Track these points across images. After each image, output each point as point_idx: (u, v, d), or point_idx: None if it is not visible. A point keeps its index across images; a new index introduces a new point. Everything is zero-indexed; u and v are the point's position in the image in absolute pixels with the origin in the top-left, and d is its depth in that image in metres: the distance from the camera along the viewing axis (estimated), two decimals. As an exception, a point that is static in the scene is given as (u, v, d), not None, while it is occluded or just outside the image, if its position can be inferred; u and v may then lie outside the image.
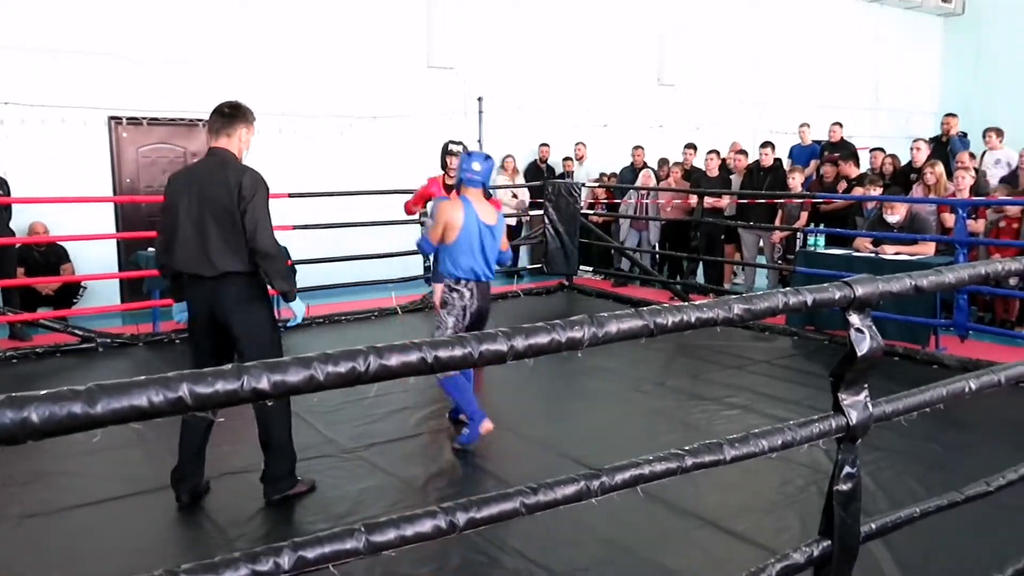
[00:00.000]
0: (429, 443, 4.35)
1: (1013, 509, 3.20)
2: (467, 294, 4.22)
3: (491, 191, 4.41)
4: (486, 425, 4.18)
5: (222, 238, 3.37)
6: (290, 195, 7.31)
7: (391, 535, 1.35)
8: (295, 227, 7.20)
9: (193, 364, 3.44)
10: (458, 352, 1.37)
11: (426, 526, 1.38)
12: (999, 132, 8.62)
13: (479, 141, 10.09)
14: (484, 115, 10.07)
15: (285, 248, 7.17)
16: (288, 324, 3.92)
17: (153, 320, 6.71)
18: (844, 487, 1.92)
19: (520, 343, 1.42)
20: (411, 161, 9.41)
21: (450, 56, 9.86)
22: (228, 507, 3.54)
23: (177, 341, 6.50)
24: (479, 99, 10.03)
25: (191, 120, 8.38)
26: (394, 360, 1.31)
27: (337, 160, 9.06)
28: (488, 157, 4.32)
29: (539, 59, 10.59)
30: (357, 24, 9.20)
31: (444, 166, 5.66)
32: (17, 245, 6.78)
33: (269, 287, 3.57)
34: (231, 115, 3.52)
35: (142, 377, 1.12)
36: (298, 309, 3.68)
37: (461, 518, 1.42)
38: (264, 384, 1.18)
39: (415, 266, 8.07)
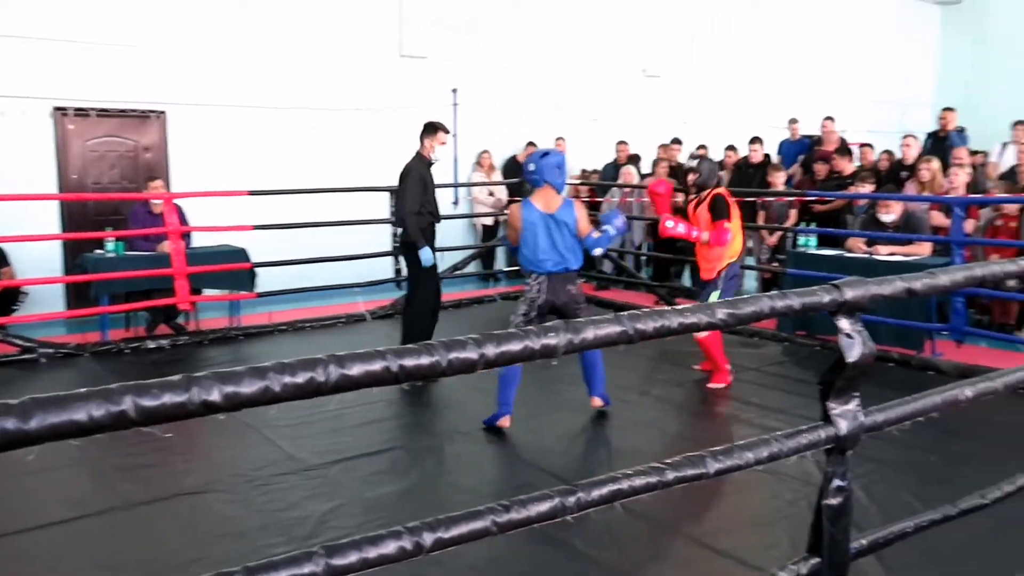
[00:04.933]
0: (399, 458, 4.34)
1: (1011, 523, 3.24)
2: (535, 287, 4.72)
3: (556, 186, 4.76)
4: (504, 421, 4.68)
5: None
6: (251, 193, 7.28)
7: (353, 558, 1.34)
8: (256, 227, 7.15)
9: None
10: (425, 360, 1.37)
11: (390, 548, 1.38)
12: None
13: (453, 135, 10.08)
14: (459, 107, 10.08)
15: (244, 250, 7.17)
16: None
17: (101, 328, 6.62)
18: (833, 501, 1.94)
19: (491, 351, 1.43)
20: (381, 156, 9.40)
21: (423, 45, 9.86)
22: (184, 530, 3.51)
23: (127, 351, 6.42)
24: (454, 91, 10.03)
25: (143, 111, 8.30)
26: (356, 369, 1.30)
27: (302, 155, 9.02)
28: (546, 154, 4.77)
29: (517, 50, 10.62)
30: (324, 10, 9.17)
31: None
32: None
33: None
34: None
35: (82, 390, 1.11)
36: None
37: (428, 539, 1.42)
38: (215, 396, 1.18)
39: (385, 269, 8.05)
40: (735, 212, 5.43)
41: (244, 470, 4.10)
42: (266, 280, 7.37)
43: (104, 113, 8.12)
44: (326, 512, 3.64)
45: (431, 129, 5.88)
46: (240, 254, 7.17)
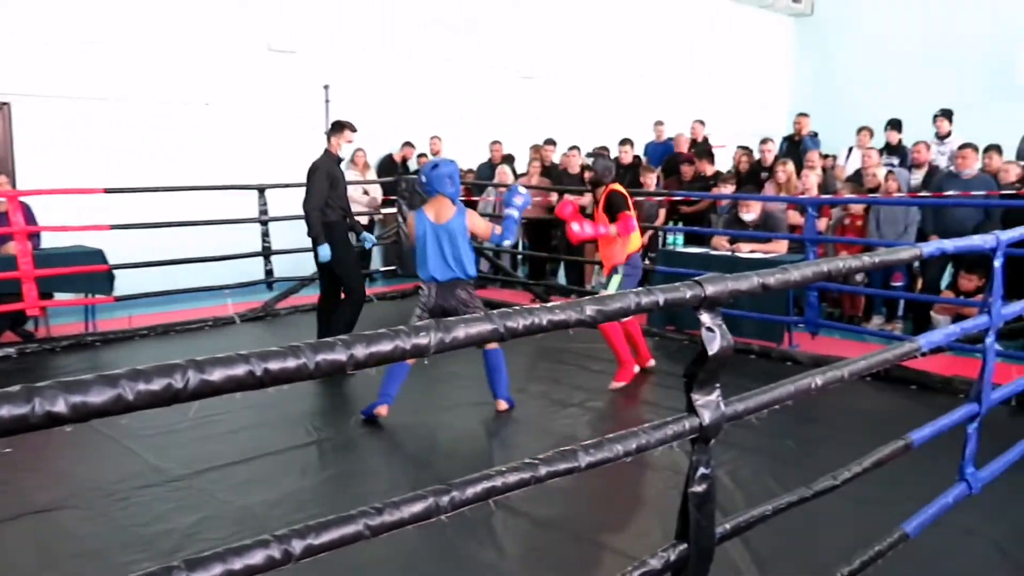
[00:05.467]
0: (272, 465, 4.21)
1: (860, 501, 3.48)
2: (426, 292, 4.90)
3: (448, 196, 4.84)
4: (382, 409, 4.77)
5: None
6: (107, 190, 6.89)
7: (217, 570, 1.29)
8: (113, 227, 6.77)
9: None
10: (291, 363, 1.33)
11: (257, 557, 1.33)
12: (871, 132, 9.16)
13: (326, 133, 9.87)
14: (331, 104, 9.87)
15: (100, 251, 6.78)
16: None
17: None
18: (699, 488, 2.02)
19: (361, 352, 1.40)
20: (250, 153, 9.09)
21: (293, 39, 9.60)
22: (34, 551, 3.28)
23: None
24: (325, 87, 9.82)
25: (-16, 104, 7.71)
26: (217, 375, 1.25)
27: (165, 152, 8.59)
28: (436, 165, 4.87)
29: (391, 47, 10.50)
30: (189, 0, 8.77)
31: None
32: None
33: None
34: None
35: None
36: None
37: (297, 546, 1.38)
38: (60, 407, 1.10)
39: (255, 270, 7.79)
40: (631, 204, 5.57)
41: (103, 484, 3.88)
42: (126, 283, 6.99)
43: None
44: (193, 524, 3.49)
45: (338, 127, 6.04)
46: (96, 255, 6.77)
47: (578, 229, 5.43)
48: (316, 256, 5.94)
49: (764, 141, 8.80)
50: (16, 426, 1.07)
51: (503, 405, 5.02)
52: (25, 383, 1.10)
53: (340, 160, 6.09)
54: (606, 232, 5.46)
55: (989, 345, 3.16)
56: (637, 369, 5.70)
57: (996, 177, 7.12)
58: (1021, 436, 3.66)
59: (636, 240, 5.62)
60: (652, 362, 5.93)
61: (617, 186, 5.62)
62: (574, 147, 9.39)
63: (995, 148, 7.45)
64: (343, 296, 6.16)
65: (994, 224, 6.45)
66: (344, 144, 6.04)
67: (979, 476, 3.22)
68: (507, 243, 5.09)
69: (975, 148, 7.10)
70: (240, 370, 1.27)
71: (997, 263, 3.08)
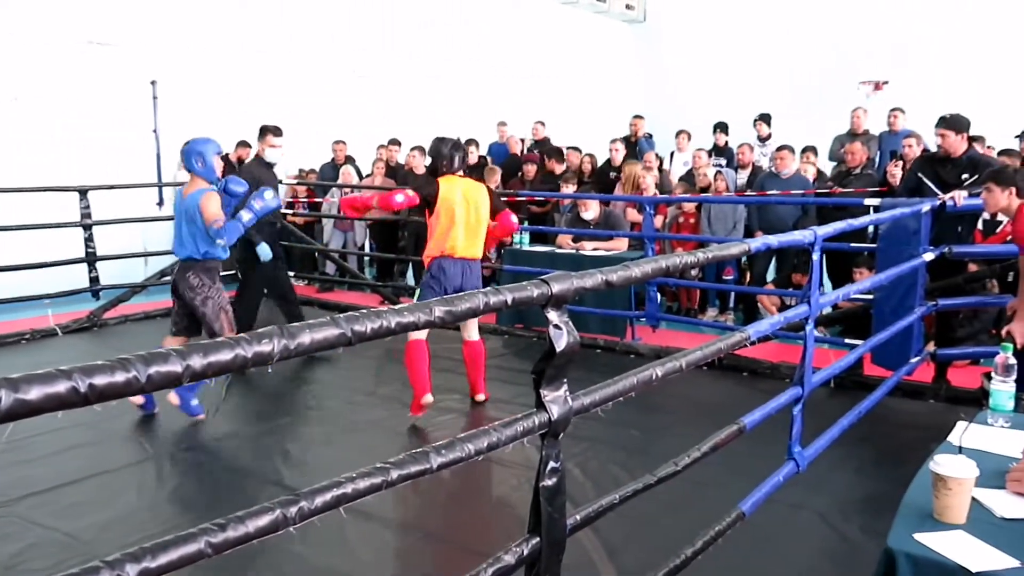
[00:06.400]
0: (103, 485, 3.93)
1: (700, 484, 3.66)
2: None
3: (195, 173, 4.74)
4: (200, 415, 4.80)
5: None
6: (-100, 194, 6.21)
7: (39, 604, 1.18)
8: (-91, 234, 6.11)
9: None
10: (120, 377, 1.24)
11: (86, 586, 1.23)
12: (689, 135, 9.88)
13: (155, 131, 9.35)
14: (159, 101, 9.34)
15: None
16: None
17: None
18: (549, 482, 2.06)
19: (198, 362, 1.33)
20: (70, 153, 8.45)
21: (115, 32, 9.00)
22: None
23: None
24: (153, 83, 9.28)
25: None
26: (35, 393, 1.15)
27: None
28: (188, 142, 4.75)
29: (224, 42, 10.05)
30: (-11, -15, 8.04)
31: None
32: None
33: None
34: None
35: None
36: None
37: (131, 570, 1.29)
38: None
39: (79, 278, 7.24)
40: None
41: (-98, 520, 3.49)
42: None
43: None
44: (15, 555, 3.21)
45: (262, 132, 6.20)
46: None
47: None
48: (244, 259, 6.19)
49: (613, 141, 9.10)
50: None
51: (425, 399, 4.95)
52: None
53: (271, 164, 6.22)
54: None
55: (809, 332, 3.41)
56: (429, 400, 4.85)
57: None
58: (839, 415, 3.98)
59: (436, 243, 4.84)
60: (482, 396, 5.22)
61: (448, 178, 4.84)
62: (417, 147, 9.34)
63: (811, 149, 8.08)
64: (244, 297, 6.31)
65: (811, 220, 6.99)
66: (268, 148, 6.15)
67: (805, 455, 3.47)
68: (221, 242, 4.66)
69: (792, 150, 7.66)
70: (61, 387, 1.17)
71: (815, 256, 3.33)
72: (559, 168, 8.97)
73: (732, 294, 7.78)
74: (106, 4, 8.92)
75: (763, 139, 9.32)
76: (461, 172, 4.93)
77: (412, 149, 9.20)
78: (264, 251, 5.98)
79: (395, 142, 9.84)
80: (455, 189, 4.80)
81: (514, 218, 5.28)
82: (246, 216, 4.72)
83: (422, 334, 4.81)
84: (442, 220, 4.78)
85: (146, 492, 3.89)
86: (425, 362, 4.86)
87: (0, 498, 3.71)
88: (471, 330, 5.17)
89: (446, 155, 4.84)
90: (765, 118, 9.46)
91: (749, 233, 7.29)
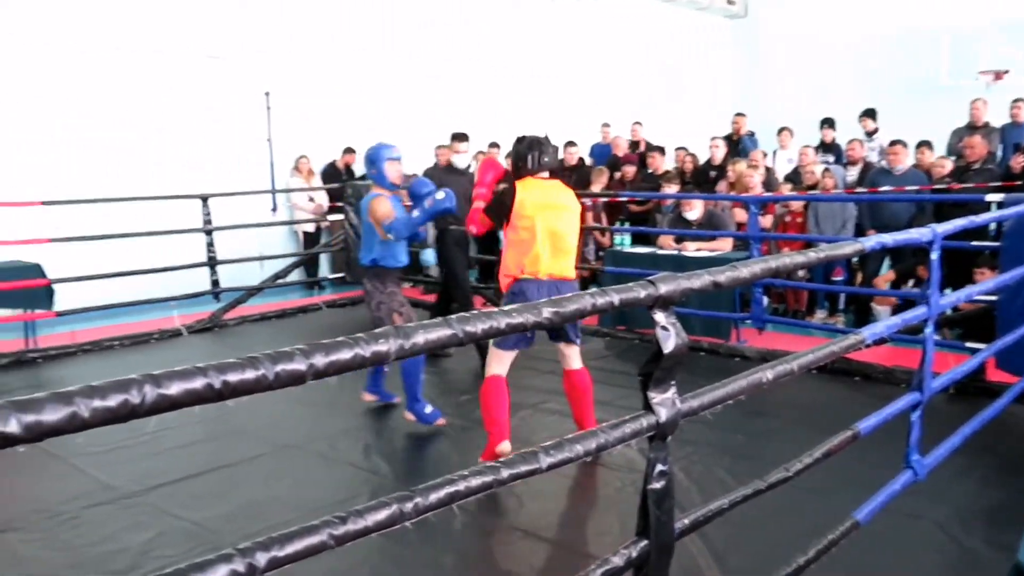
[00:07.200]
0: (225, 478, 4.14)
1: (809, 491, 3.55)
2: None
3: (371, 179, 4.89)
4: (440, 419, 4.82)
5: None
6: (44, 203, 6.69)
7: (180, 587, 1.26)
8: (53, 240, 6.57)
9: None
10: (250, 375, 1.31)
11: (220, 572, 1.30)
12: (791, 132, 9.61)
13: (268, 140, 9.75)
14: (272, 111, 9.74)
15: (38, 266, 6.57)
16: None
17: None
18: (657, 485, 2.05)
19: (320, 360, 1.39)
20: (191, 162, 8.91)
21: (232, 46, 9.45)
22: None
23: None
24: (266, 94, 9.69)
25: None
26: (175, 388, 1.22)
27: (104, 162, 8.36)
28: (368, 149, 4.84)
29: (333, 52, 10.39)
30: (124, 8, 8.56)
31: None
32: None
33: None
34: None
35: None
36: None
37: (261, 559, 1.36)
38: (13, 427, 1.07)
39: (201, 281, 7.63)
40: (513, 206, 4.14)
41: (49, 505, 3.76)
42: (68, 297, 6.79)
43: None
44: (146, 542, 3.41)
45: (451, 139, 6.52)
46: (33, 269, 6.57)
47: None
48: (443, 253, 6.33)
49: (713, 139, 8.93)
50: (-34, 449, 1.04)
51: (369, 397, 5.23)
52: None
53: (458, 170, 6.33)
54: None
55: (928, 335, 3.26)
56: (507, 448, 4.00)
57: (929, 172, 7.35)
58: (960, 422, 3.78)
59: (513, 260, 4.07)
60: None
61: (526, 181, 4.13)
62: (494, 143, 9.38)
63: (926, 144, 7.71)
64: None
65: (927, 217, 6.67)
66: (453, 154, 6.37)
67: (924, 463, 3.32)
68: (390, 236, 4.59)
69: (905, 144, 7.33)
70: (198, 383, 1.24)
71: (934, 256, 3.18)
72: (661, 166, 8.86)
73: (842, 296, 7.51)
74: (223, 20, 9.36)
75: (869, 134, 8.95)
76: (546, 174, 4.16)
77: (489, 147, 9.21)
78: (428, 256, 6.18)
79: (494, 144, 9.94)
80: (534, 194, 4.05)
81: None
82: (416, 213, 4.64)
83: (502, 368, 4.15)
84: (520, 232, 4.00)
85: (264, 485, 4.06)
86: (506, 404, 4.13)
87: (135, 487, 3.95)
88: (573, 358, 4.28)
89: (523, 155, 4.12)
90: (870, 113, 9.07)
91: (860, 232, 7.02)
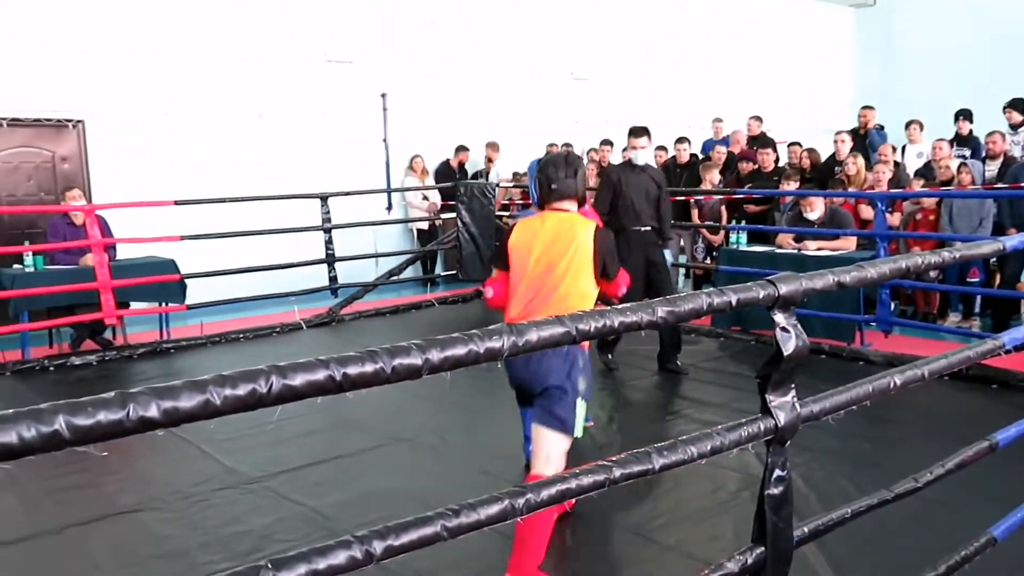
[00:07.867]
0: (343, 467, 4.28)
1: (942, 504, 3.37)
2: None
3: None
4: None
5: None
6: (176, 203, 7.10)
7: (302, 570, 1.31)
8: (183, 238, 6.97)
9: None
10: (369, 368, 1.35)
11: (340, 558, 1.35)
12: (920, 125, 9.10)
13: (384, 140, 10.02)
14: (388, 112, 10.01)
15: (172, 262, 6.99)
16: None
17: (22, 346, 6.37)
18: (775, 491, 1.99)
19: (436, 356, 1.42)
20: (310, 163, 9.27)
21: (350, 50, 9.77)
22: (118, 552, 3.40)
23: (51, 368, 6.19)
24: (383, 95, 9.96)
25: (59, 120, 8.03)
26: (299, 380, 1.28)
27: (229, 163, 8.84)
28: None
29: (446, 53, 10.59)
30: (248, 16, 8.99)
31: None
32: None
33: None
34: None
35: (10, 411, 1.06)
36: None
37: (378, 547, 1.40)
38: (153, 412, 1.14)
39: (319, 277, 7.93)
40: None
41: (182, 486, 3.99)
42: (196, 291, 7.20)
43: (16, 123, 7.81)
44: (269, 525, 3.57)
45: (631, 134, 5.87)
46: (168, 265, 6.99)
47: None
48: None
49: (839, 134, 8.57)
50: (112, 431, 1.11)
51: None
52: (107, 390, 1.14)
53: (635, 166, 5.76)
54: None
55: (1078, 341, 3.02)
56: None
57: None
58: (1112, 436, 3.49)
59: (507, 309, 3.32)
60: None
61: (525, 222, 3.36)
62: (606, 141, 9.28)
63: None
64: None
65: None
66: (631, 150, 5.79)
67: (1068, 478, 3.09)
68: None
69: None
70: (320, 375, 1.29)
71: (1084, 256, 2.95)
72: (771, 163, 8.59)
73: (978, 298, 7.07)
74: (342, 25, 9.68)
75: (1014, 127, 8.37)
76: (567, 203, 3.27)
77: (623, 150, 9.16)
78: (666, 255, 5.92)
79: (607, 143, 9.88)
80: (529, 231, 3.26)
81: (623, 289, 3.36)
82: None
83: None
84: (512, 276, 3.30)
85: (376, 477, 4.17)
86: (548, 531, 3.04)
87: (258, 473, 4.15)
88: (543, 450, 3.19)
89: (540, 182, 3.31)
90: (1016, 104, 8.47)
91: (999, 231, 6.60)
